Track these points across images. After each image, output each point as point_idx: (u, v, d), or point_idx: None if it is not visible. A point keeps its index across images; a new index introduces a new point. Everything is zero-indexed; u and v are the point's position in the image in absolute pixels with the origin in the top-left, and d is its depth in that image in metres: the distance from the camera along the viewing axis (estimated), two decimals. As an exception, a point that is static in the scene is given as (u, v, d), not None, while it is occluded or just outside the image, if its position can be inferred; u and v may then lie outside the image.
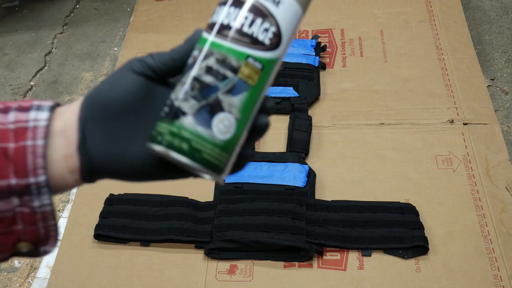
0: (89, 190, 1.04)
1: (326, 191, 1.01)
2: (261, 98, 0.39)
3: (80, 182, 0.38)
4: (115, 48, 1.42)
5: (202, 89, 0.37)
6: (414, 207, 0.96)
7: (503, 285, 0.87)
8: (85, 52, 1.41)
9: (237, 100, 0.37)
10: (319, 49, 1.26)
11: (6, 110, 0.37)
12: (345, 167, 1.05)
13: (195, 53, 0.38)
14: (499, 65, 1.32)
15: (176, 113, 0.37)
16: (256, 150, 1.08)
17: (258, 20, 0.37)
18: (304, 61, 1.21)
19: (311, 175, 1.01)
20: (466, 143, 1.07)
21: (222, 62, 0.37)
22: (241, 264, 0.92)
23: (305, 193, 0.97)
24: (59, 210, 1.08)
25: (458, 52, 1.25)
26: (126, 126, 0.37)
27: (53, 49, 1.43)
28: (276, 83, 1.19)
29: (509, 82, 1.28)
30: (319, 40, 1.29)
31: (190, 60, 0.38)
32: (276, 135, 1.11)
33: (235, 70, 0.37)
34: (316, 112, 1.15)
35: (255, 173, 1.01)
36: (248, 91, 0.37)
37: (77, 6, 1.56)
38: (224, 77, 0.37)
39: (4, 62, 1.39)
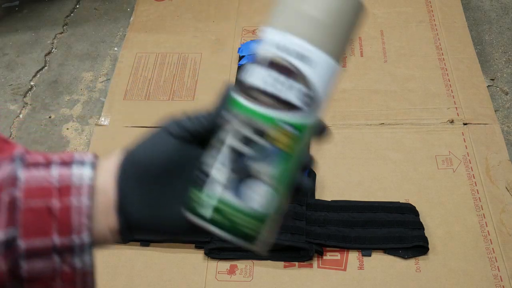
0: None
1: (326, 191, 1.01)
2: (300, 161, 0.37)
3: (119, 240, 0.38)
4: (115, 48, 1.42)
5: (234, 157, 0.35)
6: (414, 207, 0.96)
7: (503, 285, 0.87)
8: (85, 52, 1.41)
9: (270, 168, 0.35)
10: (319, 49, 1.26)
11: (48, 164, 0.37)
12: (345, 167, 1.05)
13: (227, 116, 0.36)
14: (499, 65, 1.32)
15: (208, 182, 0.35)
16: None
17: (289, 82, 0.35)
18: (304, 61, 1.21)
19: (311, 175, 1.01)
20: (466, 143, 1.07)
21: (254, 128, 0.35)
22: (241, 264, 0.92)
23: (305, 193, 0.97)
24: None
25: (458, 52, 1.25)
26: (163, 188, 0.37)
27: (53, 49, 1.43)
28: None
29: (509, 82, 1.28)
30: (319, 40, 1.29)
31: (221, 123, 0.36)
32: (276, 135, 1.11)
33: (267, 137, 0.35)
34: (316, 112, 1.15)
35: (255, 173, 1.01)
36: (283, 158, 0.35)
37: (77, 6, 1.56)
38: (256, 145, 0.35)
39: (4, 62, 1.39)
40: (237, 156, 0.35)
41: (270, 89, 0.35)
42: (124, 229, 0.37)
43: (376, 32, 1.32)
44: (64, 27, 1.49)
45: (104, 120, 1.17)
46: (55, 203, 0.35)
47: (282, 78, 0.35)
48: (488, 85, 1.25)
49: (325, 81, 0.36)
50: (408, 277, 0.89)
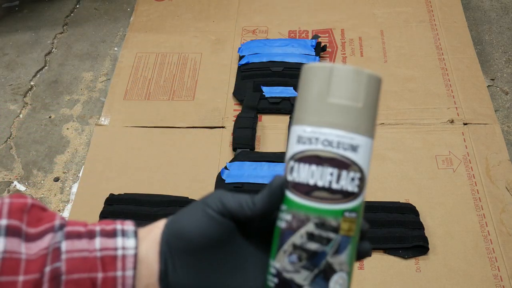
0: (89, 190, 1.04)
1: (326, 191, 1.01)
2: (359, 234, 0.38)
3: None
4: (115, 48, 1.42)
5: (310, 258, 0.36)
6: (414, 207, 0.96)
7: (503, 285, 0.87)
8: (85, 52, 1.41)
9: (344, 257, 0.37)
10: (319, 49, 1.26)
11: (91, 235, 0.37)
12: (345, 167, 1.05)
13: (287, 217, 0.37)
14: (499, 65, 1.32)
15: (290, 286, 0.36)
16: (256, 150, 1.08)
17: (344, 173, 0.36)
18: (304, 61, 1.21)
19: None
20: (466, 143, 1.07)
21: (322, 225, 0.36)
22: (241, 264, 0.92)
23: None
24: (59, 210, 1.08)
25: (458, 52, 1.25)
26: (205, 262, 0.38)
27: (53, 49, 1.43)
28: (276, 83, 1.19)
29: (509, 82, 1.28)
30: (319, 40, 1.29)
31: (283, 225, 0.37)
32: (276, 135, 1.11)
33: (336, 230, 0.36)
34: (316, 112, 1.15)
35: (255, 173, 1.01)
36: (351, 243, 0.37)
37: (77, 6, 1.56)
38: (328, 240, 0.36)
39: (4, 62, 1.39)
40: (312, 255, 0.36)
41: (328, 185, 0.36)
42: None
43: (376, 32, 1.32)
44: (64, 27, 1.49)
45: (104, 120, 1.17)
46: (99, 275, 0.35)
47: (337, 171, 0.36)
48: (488, 85, 1.25)
49: (368, 159, 0.38)
50: (408, 277, 0.89)
